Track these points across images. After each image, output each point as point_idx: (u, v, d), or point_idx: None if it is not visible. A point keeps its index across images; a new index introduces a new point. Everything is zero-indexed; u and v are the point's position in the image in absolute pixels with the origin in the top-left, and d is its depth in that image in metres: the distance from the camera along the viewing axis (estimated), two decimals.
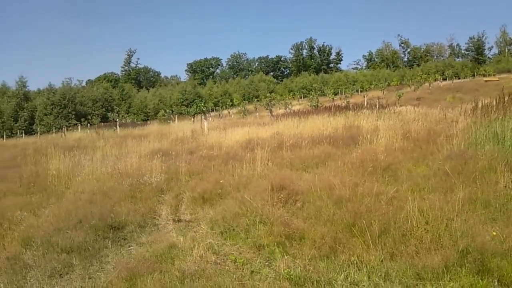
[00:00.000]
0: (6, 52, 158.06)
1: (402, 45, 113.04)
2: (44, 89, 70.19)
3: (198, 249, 5.69)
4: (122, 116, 51.28)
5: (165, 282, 4.83)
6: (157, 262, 5.42)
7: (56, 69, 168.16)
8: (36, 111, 62.26)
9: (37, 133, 47.80)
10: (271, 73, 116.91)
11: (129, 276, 4.94)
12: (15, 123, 59.51)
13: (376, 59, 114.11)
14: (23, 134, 48.47)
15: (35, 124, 58.68)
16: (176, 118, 42.14)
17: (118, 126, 33.32)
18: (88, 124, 45.58)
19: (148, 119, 61.02)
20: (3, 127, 57.03)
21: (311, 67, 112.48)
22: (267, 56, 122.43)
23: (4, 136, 47.94)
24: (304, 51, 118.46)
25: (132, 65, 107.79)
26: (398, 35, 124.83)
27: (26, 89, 67.43)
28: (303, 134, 15.19)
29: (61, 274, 5.56)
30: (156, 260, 5.51)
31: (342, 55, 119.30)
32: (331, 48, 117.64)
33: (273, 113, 32.96)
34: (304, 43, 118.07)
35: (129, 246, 6.45)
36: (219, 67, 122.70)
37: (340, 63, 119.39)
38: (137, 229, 7.12)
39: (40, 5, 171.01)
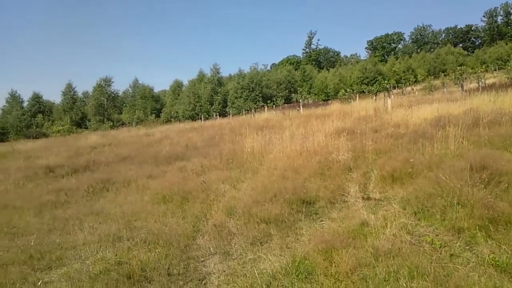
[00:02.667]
0: (203, 43, 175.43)
1: None
2: (235, 74, 76.33)
3: (391, 228, 5.59)
4: (304, 97, 52.70)
5: (360, 257, 4.88)
6: (350, 238, 5.50)
7: (245, 55, 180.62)
8: (228, 95, 68.02)
9: (229, 114, 52.17)
10: (460, 45, 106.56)
11: (324, 249, 5.12)
12: (211, 106, 66.00)
13: None
14: (218, 116, 53.51)
15: (227, 106, 64.24)
16: (357, 97, 41.63)
17: (301, 107, 34.37)
18: (273, 106, 47.96)
19: (328, 99, 61.57)
20: (201, 110, 63.90)
21: (507, 35, 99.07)
22: (455, 26, 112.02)
23: (202, 118, 53.74)
24: (499, 18, 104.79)
25: (313, 46, 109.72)
26: None
27: (220, 75, 73.86)
28: (502, 109, 13.57)
29: (261, 242, 6.04)
30: (348, 235, 5.60)
31: None
32: None
33: (464, 88, 30.14)
34: (498, 9, 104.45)
35: (321, 221, 6.67)
36: (401, 42, 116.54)
37: None
38: (328, 204, 7.31)
39: None
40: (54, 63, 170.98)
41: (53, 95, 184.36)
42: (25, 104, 72.51)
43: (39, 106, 72.20)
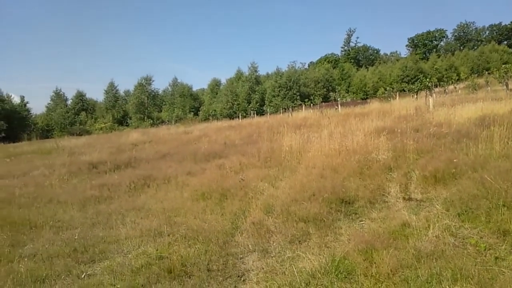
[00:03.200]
0: (241, 41, 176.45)
1: None
2: (272, 73, 76.30)
3: (434, 230, 5.48)
4: (342, 95, 52.15)
5: (401, 258, 4.80)
6: (390, 239, 5.42)
7: (282, 54, 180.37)
8: (265, 93, 68.13)
9: (267, 113, 52.28)
10: (505, 42, 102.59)
11: (364, 249, 5.07)
12: (248, 105, 66.27)
13: None
14: (255, 114, 53.69)
15: (265, 105, 64.35)
16: (397, 95, 40.82)
17: (339, 105, 34.04)
18: (311, 104, 47.73)
19: (367, 98, 60.66)
20: (238, 108, 64.30)
21: None
22: (500, 23, 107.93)
23: (239, 116, 54.04)
24: None
25: (352, 44, 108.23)
26: None
27: (257, 74, 73.94)
28: None
29: (300, 241, 6.03)
30: (389, 236, 5.51)
31: None
32: None
33: (508, 87, 29.02)
34: None
35: (361, 221, 6.60)
36: (444, 39, 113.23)
37: None
38: (367, 204, 7.22)
39: None
40: (98, 63, 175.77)
41: (96, 94, 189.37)
42: (69, 102, 75.13)
43: (83, 104, 74.59)
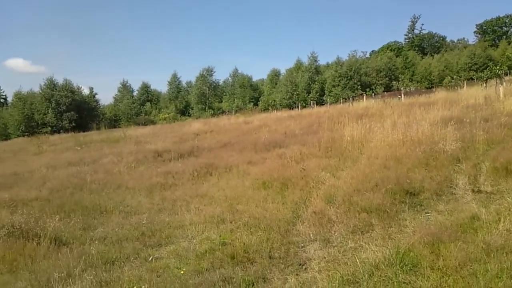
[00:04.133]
0: (301, 31, 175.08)
1: None
2: (332, 62, 75.04)
3: (505, 223, 5.25)
4: (406, 84, 50.47)
5: (470, 252, 4.63)
6: (458, 232, 5.24)
7: (343, 43, 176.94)
8: (325, 83, 67.22)
9: (326, 103, 51.60)
10: None
11: (431, 242, 4.92)
12: (308, 95, 65.68)
13: None
14: (315, 105, 53.18)
15: (325, 95, 63.57)
16: (465, 84, 38.93)
17: (402, 95, 33.00)
18: (372, 94, 46.54)
19: (432, 87, 58.24)
20: (298, 99, 63.90)
21: None
22: None
23: (299, 107, 53.76)
24: None
25: (416, 31, 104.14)
26: None
27: (317, 64, 73.01)
28: None
29: (362, 232, 5.96)
30: (457, 229, 5.33)
31: None
32: None
33: None
34: None
35: (427, 213, 6.42)
36: None
37: None
38: (433, 196, 7.00)
39: None
40: (161, 54, 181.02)
41: (160, 85, 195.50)
42: (135, 93, 78.07)
43: (148, 95, 77.15)
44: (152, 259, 5.89)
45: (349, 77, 63.77)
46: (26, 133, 53.17)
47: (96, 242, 6.73)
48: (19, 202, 9.69)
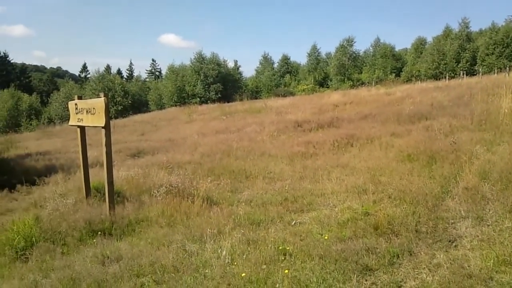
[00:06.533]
0: None
1: None
2: (486, 28, 67.74)
3: None
4: None
5: None
6: None
7: (499, 6, 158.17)
8: (477, 51, 61.20)
9: (478, 73, 47.12)
10: None
11: None
12: (457, 65, 60.59)
13: None
14: (464, 75, 48.91)
15: (476, 65, 58.00)
16: None
17: None
18: None
19: None
20: (445, 69, 59.30)
21: None
22: None
23: (447, 77, 49.88)
24: None
25: None
26: None
27: (469, 30, 66.65)
28: None
29: None
30: None
31: None
32: None
33: None
34: None
35: None
36: None
37: None
38: None
39: None
40: (301, 26, 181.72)
41: (299, 57, 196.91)
42: (275, 65, 79.92)
43: (287, 67, 78.58)
44: (295, 223, 6.09)
45: (505, 45, 57.08)
46: (178, 103, 58.12)
47: (243, 204, 7.20)
48: (175, 165, 10.72)
